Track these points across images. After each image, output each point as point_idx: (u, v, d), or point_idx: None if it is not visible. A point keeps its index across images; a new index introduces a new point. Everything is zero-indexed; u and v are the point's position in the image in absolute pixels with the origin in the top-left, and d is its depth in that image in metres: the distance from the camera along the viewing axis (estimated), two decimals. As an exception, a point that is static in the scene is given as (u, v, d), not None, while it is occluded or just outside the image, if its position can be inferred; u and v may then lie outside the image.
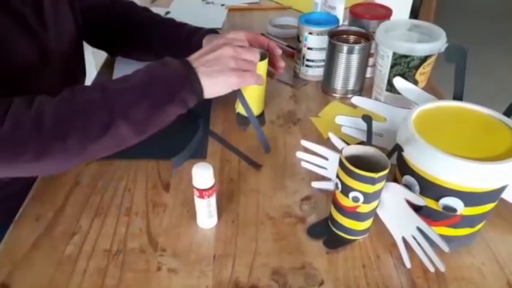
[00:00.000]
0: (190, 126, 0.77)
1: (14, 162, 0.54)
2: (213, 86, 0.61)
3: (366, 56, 0.84)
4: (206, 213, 0.58)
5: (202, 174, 0.54)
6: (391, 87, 0.79)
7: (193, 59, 0.61)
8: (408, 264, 0.54)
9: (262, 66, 0.73)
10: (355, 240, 0.58)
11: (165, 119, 0.60)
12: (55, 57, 0.72)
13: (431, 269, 0.53)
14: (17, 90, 0.57)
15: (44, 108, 0.54)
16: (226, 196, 0.64)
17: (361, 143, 0.59)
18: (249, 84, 0.65)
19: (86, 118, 0.55)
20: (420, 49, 0.73)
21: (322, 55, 0.89)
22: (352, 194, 0.52)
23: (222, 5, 1.30)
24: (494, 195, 0.51)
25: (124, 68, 0.93)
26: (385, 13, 0.88)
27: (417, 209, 0.52)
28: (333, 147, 0.59)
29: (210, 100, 0.85)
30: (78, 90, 0.58)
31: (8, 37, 0.62)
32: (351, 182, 0.51)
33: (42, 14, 0.68)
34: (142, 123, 0.58)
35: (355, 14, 0.88)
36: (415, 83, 0.77)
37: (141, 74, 0.59)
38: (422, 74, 0.77)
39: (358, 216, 0.55)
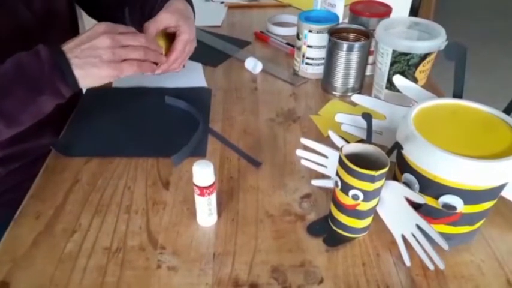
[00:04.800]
0: (190, 124, 0.77)
1: None
2: (86, 78, 0.60)
3: (366, 53, 0.84)
4: (206, 211, 0.58)
5: (203, 172, 0.54)
6: (390, 85, 0.79)
7: (68, 48, 0.59)
8: (408, 262, 0.54)
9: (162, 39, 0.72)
10: (354, 238, 0.58)
11: (40, 110, 0.60)
12: (36, 35, 0.69)
13: (431, 267, 0.53)
14: None
15: None
16: (226, 194, 0.64)
17: (360, 141, 0.59)
18: (129, 74, 0.61)
19: None
20: (420, 47, 0.73)
21: (322, 53, 0.89)
22: (351, 192, 0.52)
23: (222, 2, 1.30)
24: (493, 193, 0.51)
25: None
26: (385, 11, 0.88)
27: (417, 207, 0.52)
28: (333, 145, 0.59)
29: (209, 98, 0.85)
30: None
31: None
32: (350, 180, 0.51)
33: None
34: (15, 115, 0.58)
35: (355, 11, 0.88)
36: (415, 80, 0.77)
37: (12, 64, 0.58)
38: (422, 71, 0.77)
39: (358, 214, 0.55)
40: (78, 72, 0.59)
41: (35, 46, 0.59)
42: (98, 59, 0.59)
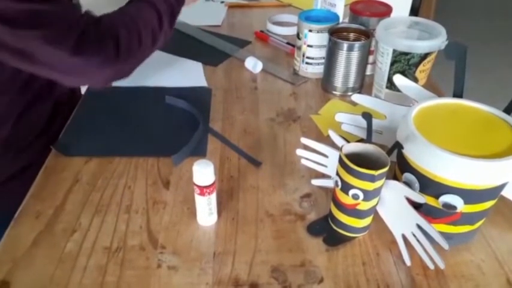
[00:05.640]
0: (190, 124, 0.77)
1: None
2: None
3: (366, 53, 0.84)
4: (206, 210, 0.58)
5: (203, 172, 0.54)
6: (391, 85, 0.79)
7: None
8: (408, 262, 0.54)
9: None
10: (355, 237, 0.58)
11: (179, 10, 0.79)
12: None
13: (431, 266, 0.53)
14: None
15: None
16: (226, 193, 0.64)
17: (361, 140, 0.59)
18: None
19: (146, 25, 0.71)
20: (420, 46, 0.73)
21: (322, 52, 0.89)
22: (352, 192, 0.52)
23: (222, 2, 1.30)
24: (494, 192, 0.51)
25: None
26: (385, 10, 0.88)
27: (417, 206, 0.52)
28: (333, 145, 0.59)
29: (209, 98, 0.85)
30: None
31: None
32: (350, 179, 0.51)
33: None
34: (173, 16, 0.77)
35: (355, 11, 0.88)
36: (415, 80, 0.76)
37: None
38: (422, 71, 0.77)
39: (358, 214, 0.55)
40: None
41: None
42: None
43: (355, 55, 0.82)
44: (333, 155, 0.60)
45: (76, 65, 0.64)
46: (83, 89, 0.89)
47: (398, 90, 0.66)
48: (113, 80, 0.71)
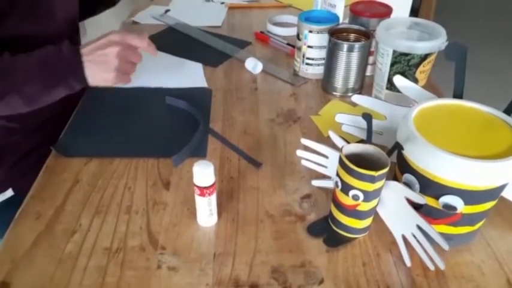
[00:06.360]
0: (191, 125, 0.77)
1: None
2: (94, 79, 0.71)
3: (366, 54, 0.84)
4: (207, 211, 0.58)
5: (204, 172, 0.54)
6: (391, 86, 0.79)
7: (85, 51, 0.70)
8: (408, 263, 0.54)
9: None
10: (355, 238, 0.58)
11: (53, 97, 0.71)
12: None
13: (431, 267, 0.53)
14: None
15: None
16: (226, 194, 0.64)
17: (361, 141, 0.59)
18: (123, 83, 0.75)
19: None
20: (420, 47, 0.73)
21: (322, 53, 0.89)
22: (352, 192, 0.52)
23: (222, 3, 1.30)
24: (494, 193, 0.51)
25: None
26: (385, 11, 0.88)
27: (417, 207, 0.52)
28: (333, 146, 0.59)
29: (210, 99, 0.85)
30: None
31: None
32: (351, 180, 0.51)
33: None
34: (33, 98, 0.69)
35: (355, 12, 0.88)
36: (415, 81, 0.77)
37: (40, 54, 0.69)
38: (423, 72, 0.77)
39: (358, 215, 0.55)
40: (88, 73, 0.70)
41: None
42: (107, 65, 0.70)
43: (355, 56, 0.82)
44: (333, 156, 0.60)
45: None
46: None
47: (398, 91, 0.66)
48: None
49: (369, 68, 0.91)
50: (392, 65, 0.76)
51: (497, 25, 3.14)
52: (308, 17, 0.89)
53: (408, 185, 0.53)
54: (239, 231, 0.59)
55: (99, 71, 0.70)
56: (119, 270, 0.53)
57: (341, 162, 0.52)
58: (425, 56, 0.74)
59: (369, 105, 0.65)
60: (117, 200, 0.63)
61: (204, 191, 0.55)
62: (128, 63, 0.73)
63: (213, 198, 0.57)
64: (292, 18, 1.16)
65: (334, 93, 0.88)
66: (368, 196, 0.52)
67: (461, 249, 0.56)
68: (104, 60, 0.70)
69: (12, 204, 0.75)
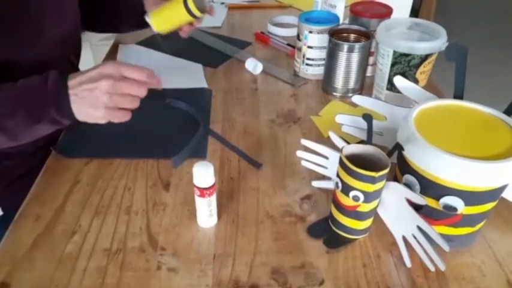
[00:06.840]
0: (191, 125, 0.77)
1: None
2: (81, 115, 0.62)
3: (367, 54, 0.84)
4: (207, 212, 0.57)
5: (204, 173, 0.54)
6: (391, 86, 0.79)
7: (73, 84, 0.61)
8: (408, 264, 0.54)
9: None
10: (355, 239, 0.58)
11: (38, 133, 0.64)
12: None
13: (432, 268, 0.53)
14: None
15: None
16: (226, 195, 0.64)
17: (361, 141, 0.59)
18: (118, 121, 0.63)
19: None
20: (421, 48, 0.73)
21: (322, 54, 0.89)
22: (352, 193, 0.52)
23: (222, 3, 1.30)
24: (494, 194, 0.51)
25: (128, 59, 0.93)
26: (386, 11, 0.88)
27: (418, 208, 0.52)
28: (333, 146, 0.59)
29: (210, 99, 0.85)
30: None
31: None
32: (351, 181, 0.51)
33: None
34: (16, 134, 0.63)
35: (355, 12, 0.88)
36: (416, 81, 0.76)
37: (22, 85, 0.62)
38: (423, 72, 0.77)
39: (359, 216, 0.55)
40: (75, 108, 0.61)
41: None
42: (94, 101, 0.60)
43: (355, 56, 0.82)
44: (333, 157, 0.60)
45: None
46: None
47: (398, 92, 0.66)
48: None
49: (369, 68, 0.91)
50: (392, 65, 0.76)
51: (497, 25, 3.14)
52: (308, 18, 0.89)
53: (409, 185, 0.53)
54: (239, 232, 0.58)
55: (86, 106, 0.61)
56: (118, 271, 0.53)
57: (341, 163, 0.52)
58: (426, 57, 0.74)
59: (369, 105, 0.65)
60: (117, 200, 0.63)
61: (204, 191, 0.55)
62: (123, 96, 0.62)
63: (213, 199, 0.57)
64: (293, 19, 1.16)
65: (335, 93, 0.88)
66: (368, 197, 0.52)
67: (461, 250, 0.56)
68: (91, 95, 0.60)
69: (1, 223, 0.67)
